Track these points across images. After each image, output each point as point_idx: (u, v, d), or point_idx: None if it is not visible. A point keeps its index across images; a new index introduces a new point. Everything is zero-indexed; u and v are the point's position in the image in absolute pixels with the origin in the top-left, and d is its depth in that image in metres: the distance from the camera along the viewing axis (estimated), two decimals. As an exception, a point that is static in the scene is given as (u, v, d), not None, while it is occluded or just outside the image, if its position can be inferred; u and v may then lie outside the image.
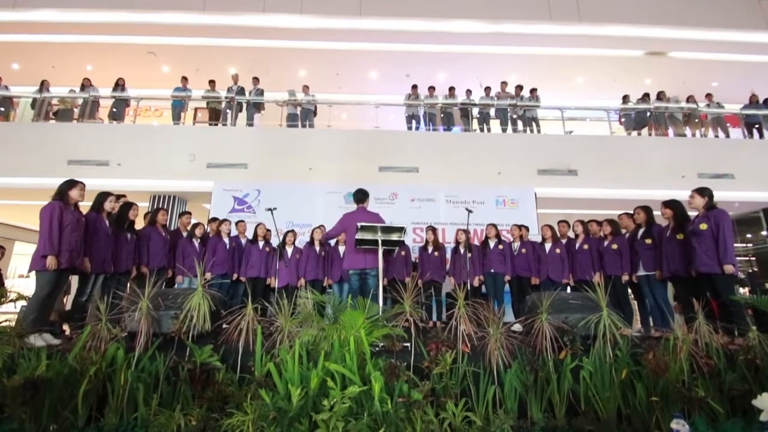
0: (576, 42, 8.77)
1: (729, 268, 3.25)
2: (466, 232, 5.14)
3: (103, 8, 7.89)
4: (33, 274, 3.16)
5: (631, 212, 4.49)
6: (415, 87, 8.58)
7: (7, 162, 6.79)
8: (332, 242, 5.42)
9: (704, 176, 7.08)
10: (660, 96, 8.70)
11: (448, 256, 5.59)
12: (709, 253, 3.33)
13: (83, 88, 8.06)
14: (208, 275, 4.62)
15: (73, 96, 8.06)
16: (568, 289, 4.82)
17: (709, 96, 8.76)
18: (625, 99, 8.79)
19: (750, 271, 9.53)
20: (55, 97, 7.94)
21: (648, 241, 4.10)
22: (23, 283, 8.23)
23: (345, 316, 2.62)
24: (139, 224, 4.59)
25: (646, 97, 8.74)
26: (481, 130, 8.38)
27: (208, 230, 5.27)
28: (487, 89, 8.69)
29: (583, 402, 2.41)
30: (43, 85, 7.91)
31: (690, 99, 8.65)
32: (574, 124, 8.91)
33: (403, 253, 5.31)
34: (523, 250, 5.09)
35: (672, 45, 8.94)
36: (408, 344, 2.68)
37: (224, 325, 2.79)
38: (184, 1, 7.93)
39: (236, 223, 5.47)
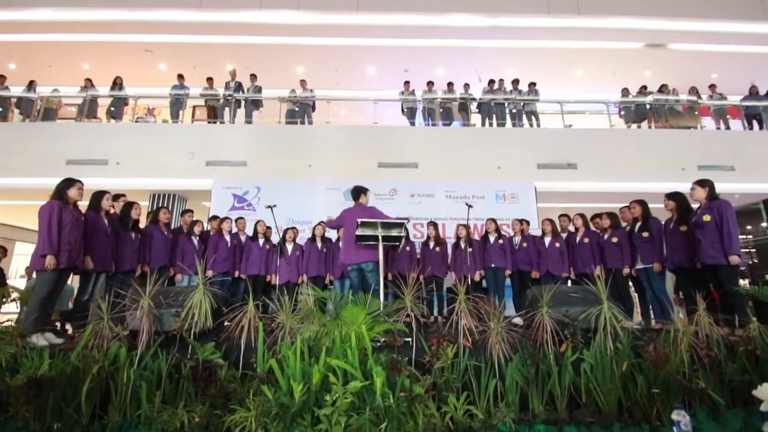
0: (575, 35, 8.71)
1: (734, 259, 3.23)
2: (467, 227, 5.13)
3: (99, 6, 7.84)
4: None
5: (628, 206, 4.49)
6: (407, 83, 8.55)
7: (6, 162, 6.78)
8: (333, 238, 5.41)
9: (704, 168, 7.04)
10: (662, 89, 8.65)
11: (449, 251, 5.58)
12: (714, 245, 3.31)
13: (85, 89, 8.00)
14: (210, 273, 4.62)
15: (58, 95, 8.02)
16: (569, 283, 4.83)
17: (712, 87, 8.71)
18: (625, 92, 8.75)
19: (750, 262, 9.53)
20: (41, 97, 7.87)
21: (645, 234, 4.09)
22: (24, 284, 8.22)
23: (346, 311, 2.63)
24: (142, 223, 4.57)
25: (644, 89, 8.70)
26: (483, 124, 8.35)
27: (208, 228, 5.27)
28: (491, 82, 8.63)
29: (584, 394, 2.42)
30: (32, 86, 7.86)
31: (692, 91, 8.60)
32: (573, 117, 8.87)
33: (408, 248, 5.30)
34: (524, 244, 5.09)
35: (671, 37, 8.88)
36: (409, 339, 2.69)
37: (226, 323, 2.81)
38: (181, -2, 7.88)
39: (236, 220, 5.47)
